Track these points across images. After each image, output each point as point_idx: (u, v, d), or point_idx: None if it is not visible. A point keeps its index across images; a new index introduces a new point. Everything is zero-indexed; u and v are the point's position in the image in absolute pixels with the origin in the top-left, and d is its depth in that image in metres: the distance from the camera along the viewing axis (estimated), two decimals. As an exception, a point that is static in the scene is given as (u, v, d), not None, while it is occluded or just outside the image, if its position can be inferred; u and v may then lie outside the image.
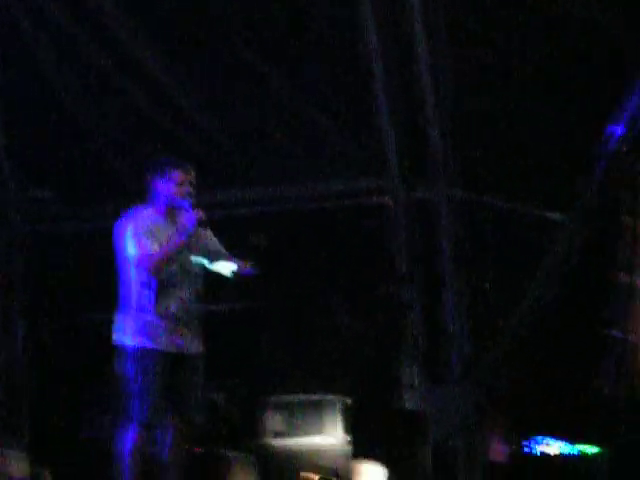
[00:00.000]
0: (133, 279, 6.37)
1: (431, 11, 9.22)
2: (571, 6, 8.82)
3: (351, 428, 9.29)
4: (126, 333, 6.36)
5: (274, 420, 9.36)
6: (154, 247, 6.27)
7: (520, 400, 9.10)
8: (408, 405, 9.24)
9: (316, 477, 8.81)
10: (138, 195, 6.79)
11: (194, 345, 6.44)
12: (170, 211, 6.51)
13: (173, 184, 6.48)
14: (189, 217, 6.36)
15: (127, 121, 10.28)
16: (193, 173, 6.55)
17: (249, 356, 10.02)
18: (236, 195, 10.28)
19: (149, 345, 6.29)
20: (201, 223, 6.41)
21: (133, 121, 10.24)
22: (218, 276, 6.76)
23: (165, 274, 6.29)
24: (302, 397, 9.42)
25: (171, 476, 6.35)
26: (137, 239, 6.34)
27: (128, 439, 6.24)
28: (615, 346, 8.52)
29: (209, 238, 6.68)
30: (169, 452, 6.33)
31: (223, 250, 6.69)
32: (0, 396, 10.23)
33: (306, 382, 9.59)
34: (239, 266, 6.60)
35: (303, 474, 8.75)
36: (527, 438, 8.80)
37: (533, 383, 9.09)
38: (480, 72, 9.45)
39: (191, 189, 6.51)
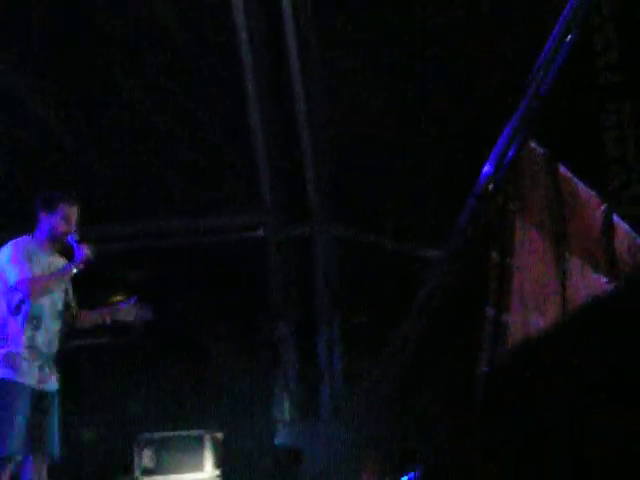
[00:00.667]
0: (2, 308, 6.29)
1: (306, 51, 9.35)
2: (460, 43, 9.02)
3: (222, 463, 9.24)
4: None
5: (144, 457, 9.26)
6: (35, 272, 6.22)
7: (394, 435, 9.17)
8: (280, 440, 9.24)
9: None
10: (23, 225, 6.73)
11: (53, 380, 6.37)
12: (52, 244, 6.47)
13: (60, 218, 6.45)
14: (79, 253, 6.32)
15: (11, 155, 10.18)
16: (78, 209, 6.53)
17: (121, 392, 9.92)
18: (114, 230, 10.22)
19: (12, 377, 6.21)
20: (88, 260, 6.37)
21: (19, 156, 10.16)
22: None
23: (36, 306, 6.22)
24: (172, 433, 9.34)
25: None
26: (18, 264, 6.27)
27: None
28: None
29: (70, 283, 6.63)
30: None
31: (73, 299, 6.66)
32: None
33: (178, 418, 9.53)
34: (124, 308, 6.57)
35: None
36: (402, 474, 8.86)
37: (406, 417, 9.18)
38: (358, 107, 9.58)
39: (75, 223, 6.50)
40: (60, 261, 6.51)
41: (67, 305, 6.55)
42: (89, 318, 6.61)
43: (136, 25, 9.64)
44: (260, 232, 10.07)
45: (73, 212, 6.52)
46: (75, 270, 6.36)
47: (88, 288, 7.01)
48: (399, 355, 9.27)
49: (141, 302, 6.59)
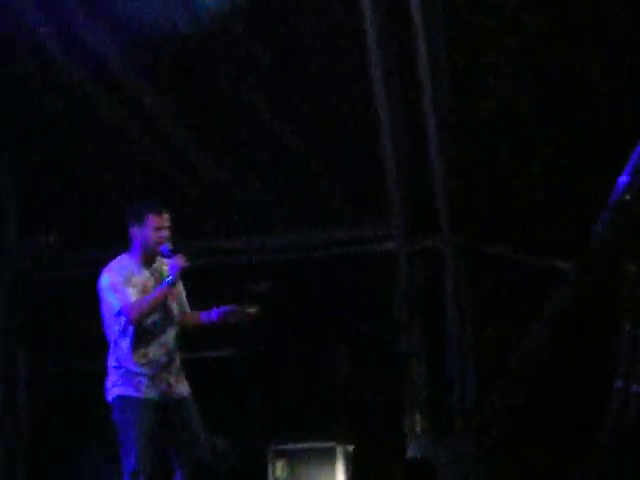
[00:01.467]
0: (114, 330, 6.35)
1: (436, 58, 9.31)
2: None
3: (353, 476, 9.24)
4: (110, 385, 6.34)
5: (277, 468, 9.31)
6: (134, 297, 6.22)
7: (524, 451, 9.06)
8: (410, 454, 9.19)
9: None
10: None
11: (179, 388, 6.40)
12: (147, 258, 6.47)
13: (150, 229, 6.43)
14: (172, 265, 6.31)
15: (130, 168, 10.33)
16: (169, 216, 6.48)
17: (253, 402, 9.98)
18: (242, 243, 10.32)
19: (131, 394, 6.26)
20: (184, 270, 6.36)
21: (136, 168, 10.30)
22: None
23: (146, 321, 6.27)
24: (304, 445, 9.37)
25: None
26: (118, 290, 6.31)
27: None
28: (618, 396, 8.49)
29: (182, 287, 6.63)
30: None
31: (186, 303, 6.66)
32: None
33: (309, 430, 9.55)
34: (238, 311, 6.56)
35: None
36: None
37: (539, 433, 9.06)
38: (485, 118, 9.51)
39: (168, 233, 6.45)
40: (157, 273, 6.45)
41: (181, 311, 6.52)
42: (197, 320, 6.56)
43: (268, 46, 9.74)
44: (389, 244, 10.03)
45: (163, 221, 6.47)
46: (170, 284, 6.32)
47: (216, 299, 7.07)
48: (528, 367, 9.15)
49: (258, 309, 6.56)
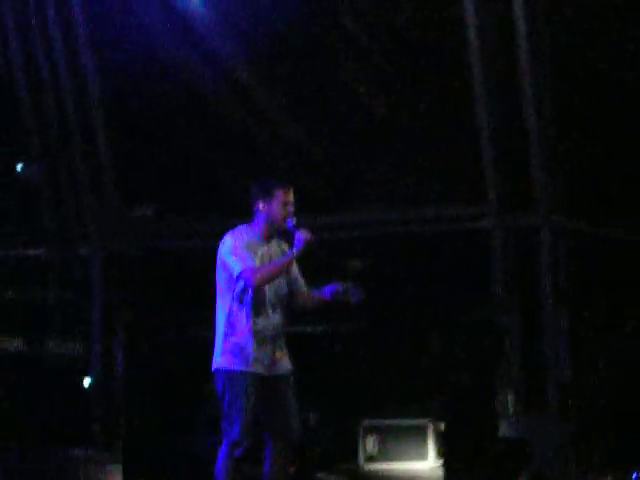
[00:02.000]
0: (227, 299, 6.42)
1: (535, 40, 9.20)
2: None
3: (444, 453, 9.24)
4: (218, 355, 6.41)
5: (368, 443, 9.35)
6: (256, 262, 6.30)
7: (620, 430, 8.96)
8: (503, 432, 9.14)
9: None
10: (239, 214, 6.83)
11: (284, 364, 6.45)
12: (268, 233, 6.51)
13: (277, 204, 6.49)
14: (299, 237, 6.36)
15: (231, 144, 10.42)
16: (293, 193, 6.56)
17: (345, 378, 10.03)
18: (338, 219, 10.35)
19: (239, 367, 6.34)
20: (309, 244, 6.39)
21: (237, 143, 10.39)
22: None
23: (260, 293, 6.32)
24: (396, 421, 9.39)
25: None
26: (240, 254, 6.37)
27: (221, 457, 6.30)
28: None
29: (295, 266, 6.65)
30: (270, 470, 6.36)
31: (300, 277, 6.67)
32: (97, 411, 10.41)
33: (400, 406, 9.56)
34: (343, 290, 6.57)
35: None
36: (630, 472, 8.65)
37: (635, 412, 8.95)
38: (585, 95, 9.37)
39: (293, 209, 6.52)
40: (275, 248, 6.52)
41: (292, 289, 6.57)
42: (311, 300, 6.61)
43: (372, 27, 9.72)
44: (484, 222, 9.96)
45: (289, 197, 6.52)
46: (296, 256, 6.38)
47: (311, 276, 7.10)
48: (627, 350, 9.03)
49: (360, 289, 6.56)
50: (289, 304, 6.53)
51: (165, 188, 10.72)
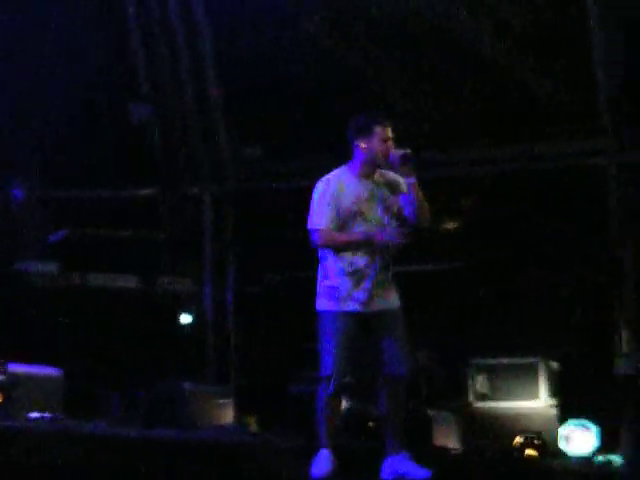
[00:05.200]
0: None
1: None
2: None
3: (558, 391, 9.14)
4: (318, 296, 6.43)
5: (478, 382, 9.30)
6: (330, 220, 6.22)
7: None
8: (619, 371, 9.00)
9: (529, 439, 8.71)
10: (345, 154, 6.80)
11: (386, 300, 6.39)
12: (368, 170, 6.42)
13: (377, 141, 6.38)
14: (391, 235, 6.24)
15: (339, 83, 10.38)
16: (391, 129, 6.43)
17: (456, 316, 9.97)
18: (454, 156, 10.27)
19: (331, 308, 6.33)
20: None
21: (344, 83, 10.35)
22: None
23: (354, 229, 6.28)
24: (508, 360, 9.31)
25: (388, 428, 6.39)
26: (315, 210, 6.33)
27: (321, 394, 6.34)
28: None
29: (402, 188, 6.48)
30: (385, 408, 6.38)
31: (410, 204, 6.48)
32: (210, 345, 10.57)
33: (512, 344, 9.48)
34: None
35: (515, 439, 8.68)
36: None
37: None
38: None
39: (392, 145, 6.40)
40: (372, 187, 6.41)
41: (401, 219, 6.45)
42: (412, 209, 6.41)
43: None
44: (600, 159, 9.77)
45: (388, 133, 6.41)
46: (376, 242, 6.26)
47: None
48: None
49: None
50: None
51: (274, 129, 10.73)
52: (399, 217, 6.40)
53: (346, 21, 10.24)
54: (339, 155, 6.98)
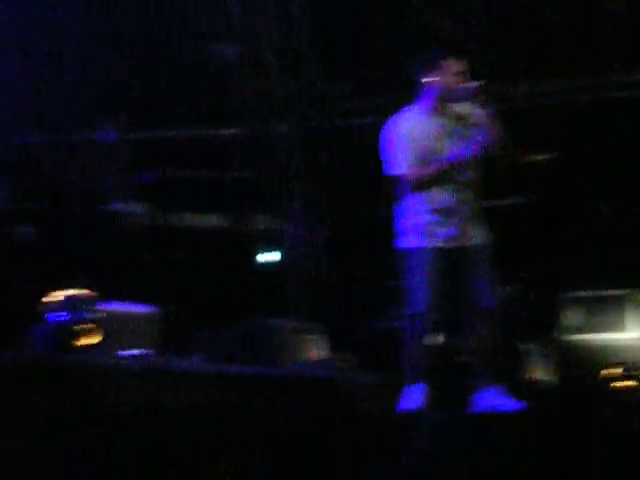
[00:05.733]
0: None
1: None
2: None
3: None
4: (402, 234, 6.41)
5: (573, 315, 9.27)
6: (410, 158, 6.17)
7: None
8: None
9: (619, 370, 8.67)
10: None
11: (473, 235, 6.33)
12: (441, 105, 6.34)
13: (448, 75, 6.29)
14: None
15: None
16: (462, 63, 6.32)
17: (548, 250, 9.92)
18: (521, 88, 10.16)
19: (416, 244, 6.32)
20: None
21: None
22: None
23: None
24: (601, 292, 9.26)
25: (479, 362, 6.41)
26: (395, 152, 6.28)
27: (409, 329, 6.37)
28: None
29: (476, 119, 6.39)
30: (473, 340, 6.39)
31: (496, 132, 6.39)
32: (303, 285, 10.66)
33: (605, 276, 9.41)
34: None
35: (604, 371, 8.63)
36: None
37: None
38: None
39: (464, 78, 6.30)
40: (449, 121, 6.35)
41: (474, 145, 6.37)
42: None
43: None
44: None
45: (458, 66, 6.30)
46: (456, 163, 6.20)
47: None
48: None
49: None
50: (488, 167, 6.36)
51: (361, 66, 10.71)
52: (479, 149, 6.34)
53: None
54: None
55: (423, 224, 6.29)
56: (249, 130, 11.26)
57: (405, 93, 9.05)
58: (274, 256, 9.43)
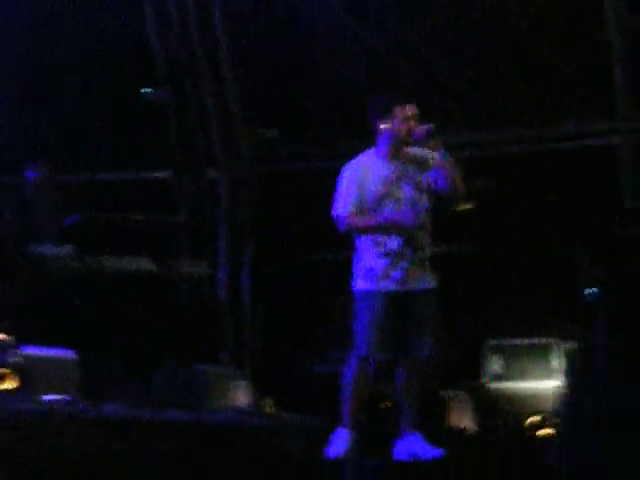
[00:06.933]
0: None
1: None
2: None
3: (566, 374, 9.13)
4: (354, 276, 6.44)
5: (493, 363, 9.32)
6: (354, 206, 6.21)
7: None
8: None
9: (538, 418, 8.73)
10: (362, 135, 6.76)
11: (420, 280, 6.38)
12: (394, 151, 6.39)
13: (398, 121, 6.35)
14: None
15: (359, 65, 10.40)
16: (415, 107, 6.37)
17: (472, 298, 9.98)
18: (465, 137, 10.25)
19: (367, 287, 6.35)
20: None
21: (368, 65, 10.37)
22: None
23: (384, 214, 6.27)
24: (523, 341, 9.32)
25: (403, 408, 6.42)
26: (341, 194, 6.32)
27: (349, 371, 6.37)
28: None
29: (431, 163, 6.42)
30: (400, 386, 6.40)
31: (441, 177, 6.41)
32: (228, 329, 10.62)
33: (527, 325, 9.48)
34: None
35: (530, 419, 8.69)
36: None
37: None
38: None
39: (416, 124, 6.34)
40: (402, 167, 6.39)
41: (427, 189, 6.39)
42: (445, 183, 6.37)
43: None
44: (613, 138, 9.76)
45: (411, 111, 6.36)
46: (397, 227, 6.26)
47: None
48: None
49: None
50: (437, 213, 6.38)
51: (288, 112, 10.76)
52: (432, 193, 6.37)
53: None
54: (355, 137, 6.99)
55: (372, 267, 6.33)
56: (178, 174, 11.25)
57: (335, 140, 9.09)
58: (200, 299, 9.39)
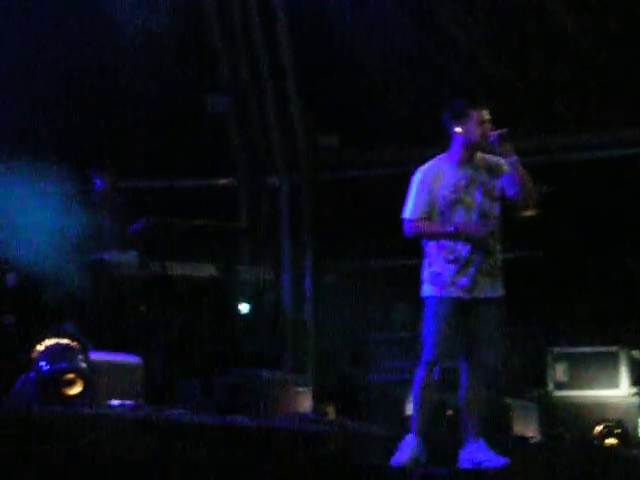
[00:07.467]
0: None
1: None
2: None
3: (639, 380, 9.05)
4: (423, 282, 6.43)
5: (558, 370, 9.23)
6: (424, 210, 6.20)
7: None
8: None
9: (601, 428, 8.64)
10: (426, 141, 6.71)
11: (487, 288, 6.34)
12: (468, 156, 6.35)
13: (473, 125, 6.31)
14: (475, 228, 6.18)
15: (415, 71, 10.37)
16: (488, 111, 6.34)
17: (536, 305, 9.90)
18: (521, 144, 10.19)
19: (435, 293, 6.33)
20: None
21: (422, 71, 10.33)
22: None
23: (454, 220, 6.23)
24: (587, 349, 9.22)
25: (467, 416, 6.38)
26: (414, 197, 6.32)
27: (417, 377, 6.36)
28: None
29: (503, 169, 6.37)
30: (465, 394, 6.36)
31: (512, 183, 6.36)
32: (288, 336, 10.65)
33: (592, 333, 9.39)
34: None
35: (596, 428, 8.61)
36: None
37: None
38: None
39: (491, 127, 6.31)
40: (474, 172, 6.36)
41: (500, 197, 6.36)
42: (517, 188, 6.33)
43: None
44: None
45: (485, 115, 6.34)
46: (461, 235, 6.23)
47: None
48: None
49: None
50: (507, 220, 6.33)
51: (349, 118, 10.76)
52: (503, 200, 6.33)
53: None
54: (414, 144, 6.98)
55: (440, 273, 6.31)
56: (240, 180, 11.32)
57: (394, 146, 9.06)
58: (245, 308, 9.38)
